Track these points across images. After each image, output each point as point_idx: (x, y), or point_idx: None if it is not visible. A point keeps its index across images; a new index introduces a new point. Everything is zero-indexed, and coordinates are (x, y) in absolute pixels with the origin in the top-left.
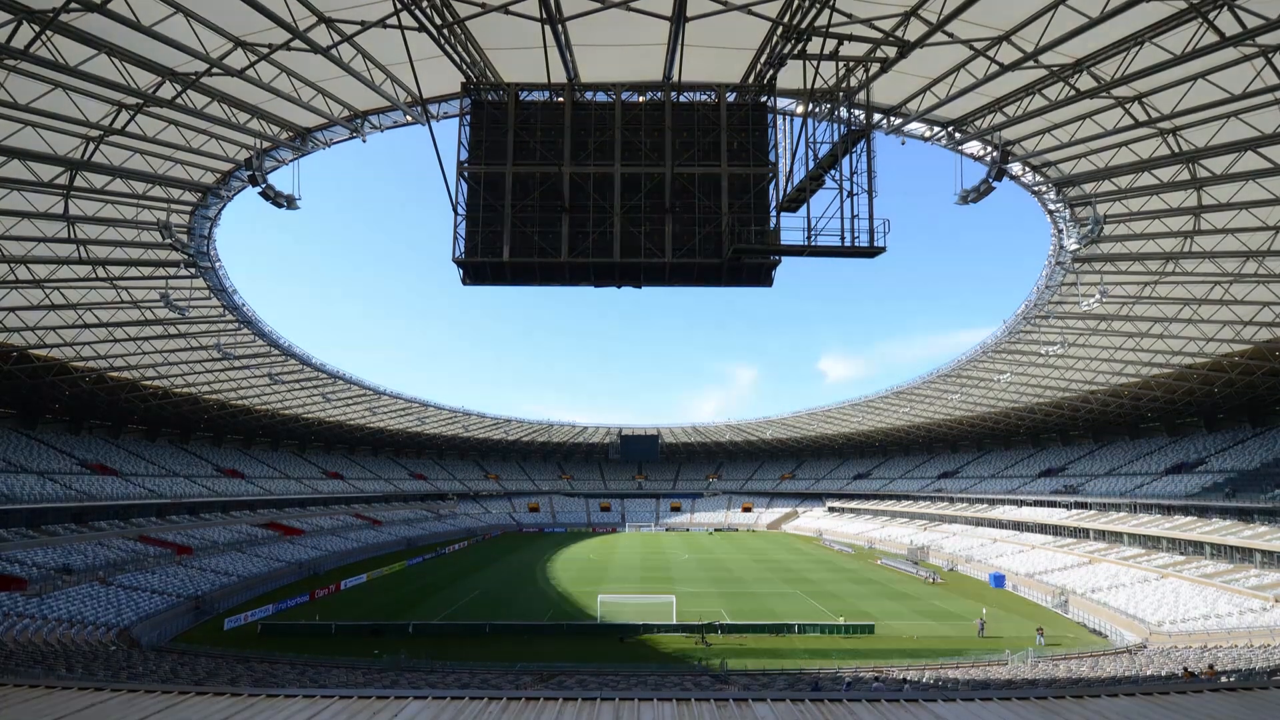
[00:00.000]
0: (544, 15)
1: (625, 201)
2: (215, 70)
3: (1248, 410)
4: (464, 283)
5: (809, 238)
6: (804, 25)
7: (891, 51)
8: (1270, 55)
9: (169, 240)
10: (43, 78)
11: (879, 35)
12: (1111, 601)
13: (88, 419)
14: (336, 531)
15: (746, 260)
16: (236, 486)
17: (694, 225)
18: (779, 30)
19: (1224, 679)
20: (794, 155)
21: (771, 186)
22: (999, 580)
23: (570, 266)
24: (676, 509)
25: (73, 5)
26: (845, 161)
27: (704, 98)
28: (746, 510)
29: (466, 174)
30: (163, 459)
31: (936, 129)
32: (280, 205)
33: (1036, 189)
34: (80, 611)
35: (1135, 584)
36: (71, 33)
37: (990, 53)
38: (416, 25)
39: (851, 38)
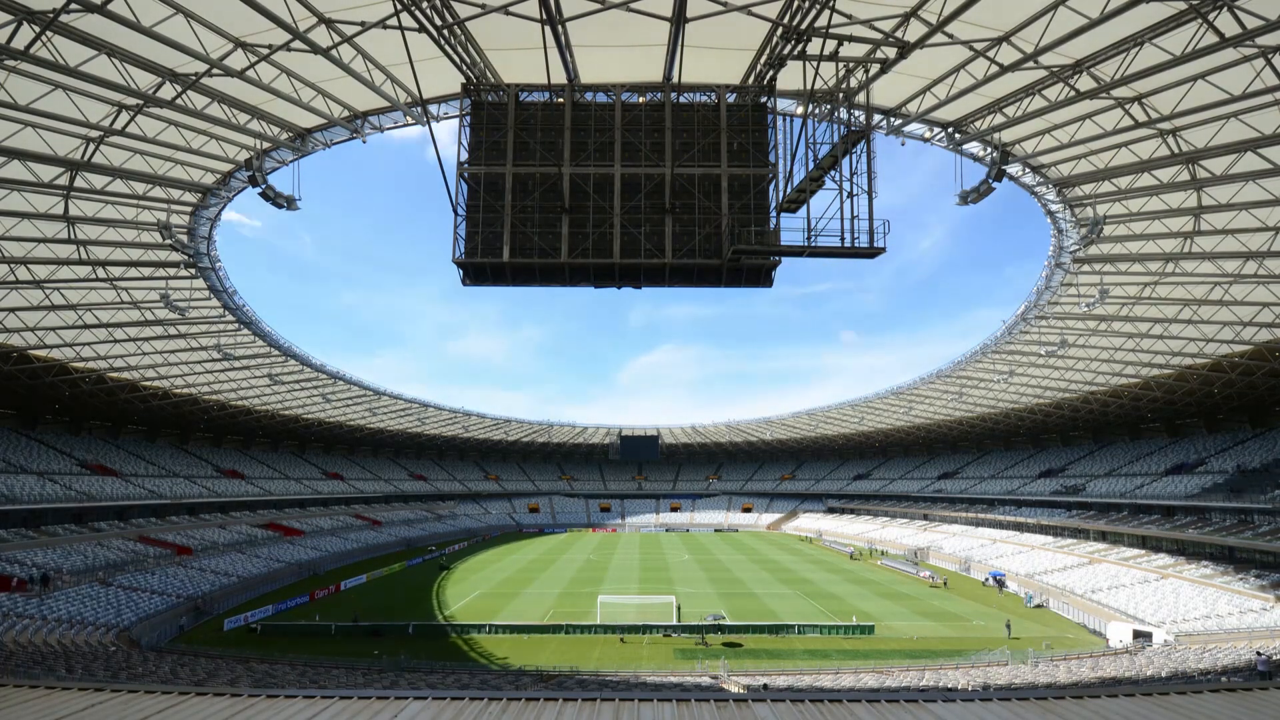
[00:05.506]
0: (544, 16)
1: (625, 202)
2: (215, 71)
3: (1248, 411)
4: (464, 283)
5: (809, 238)
6: (804, 26)
7: (891, 52)
8: (1270, 56)
9: (169, 241)
10: (43, 78)
11: (879, 36)
12: (1111, 602)
13: (87, 419)
14: (336, 532)
15: (746, 261)
16: (236, 487)
17: (694, 226)
18: (779, 31)
19: (1224, 679)
20: (794, 156)
21: (771, 187)
22: (999, 581)
23: (570, 267)
24: (676, 509)
25: (73, 6)
26: (845, 162)
27: (704, 98)
28: (747, 511)
29: (466, 175)
30: (162, 459)
31: (936, 130)
32: (280, 206)
33: (1036, 190)
34: (80, 612)
35: (1135, 584)
36: (72, 33)
37: (990, 54)
38: (416, 26)
39: (851, 39)
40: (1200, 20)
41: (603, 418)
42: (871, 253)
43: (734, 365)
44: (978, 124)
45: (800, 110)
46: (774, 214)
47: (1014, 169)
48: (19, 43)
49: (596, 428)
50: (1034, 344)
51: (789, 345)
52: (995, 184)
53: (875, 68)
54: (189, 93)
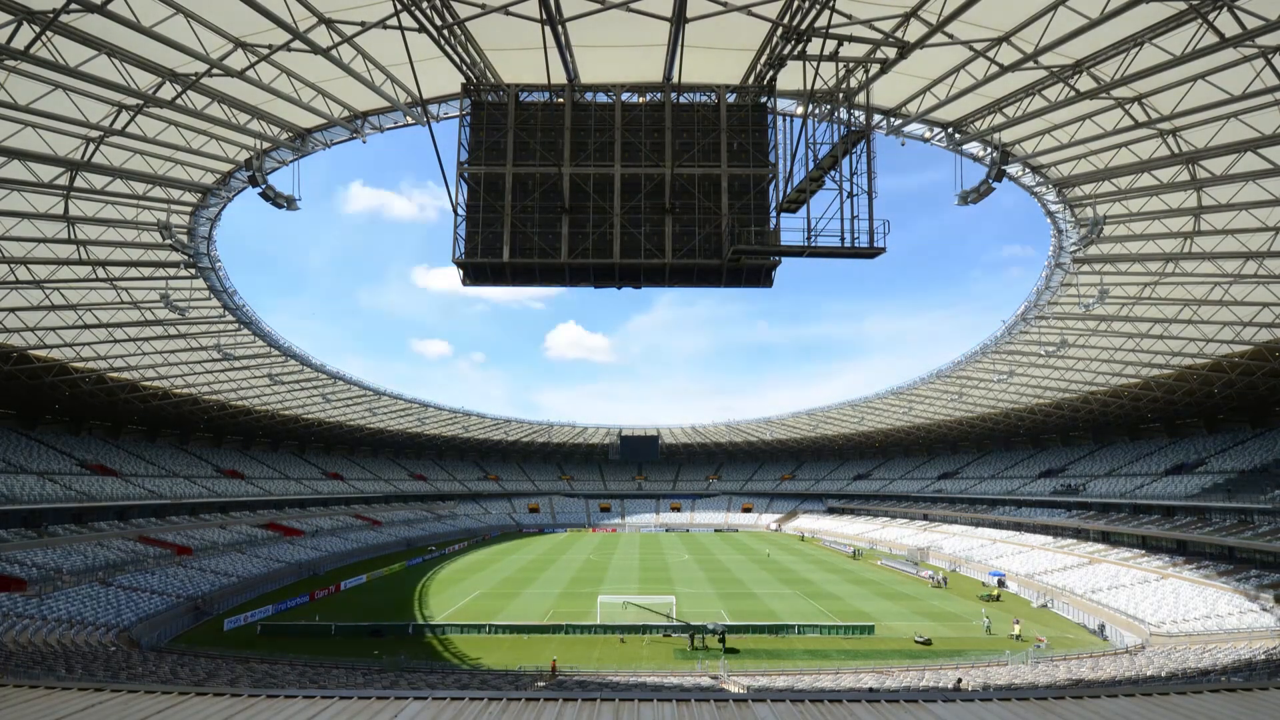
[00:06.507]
0: (544, 16)
1: (625, 202)
2: (215, 71)
3: (1248, 411)
4: (464, 283)
5: (809, 238)
6: (804, 26)
7: (891, 52)
8: (1270, 56)
9: (169, 241)
10: (43, 78)
11: (879, 36)
12: (1111, 602)
13: (87, 419)
14: (336, 532)
15: (746, 261)
16: (236, 487)
17: (694, 226)
18: (779, 31)
19: (1224, 679)
20: (794, 156)
21: (771, 187)
22: (999, 581)
23: (570, 267)
24: (676, 509)
25: (73, 6)
26: (845, 162)
27: (704, 98)
28: (747, 511)
29: (466, 175)
30: (162, 459)
31: (936, 130)
32: (280, 206)
33: (1036, 190)
34: (80, 612)
35: (1135, 584)
36: (72, 33)
37: (990, 54)
38: (416, 26)
39: (851, 39)
40: (1200, 20)
41: (601, 415)
42: (872, 253)
43: (750, 335)
44: (978, 124)
45: (800, 110)
46: (774, 214)
47: (1014, 169)
48: (19, 43)
49: (596, 428)
50: (1034, 344)
51: (832, 296)
52: (995, 184)
53: (875, 68)
54: (189, 93)
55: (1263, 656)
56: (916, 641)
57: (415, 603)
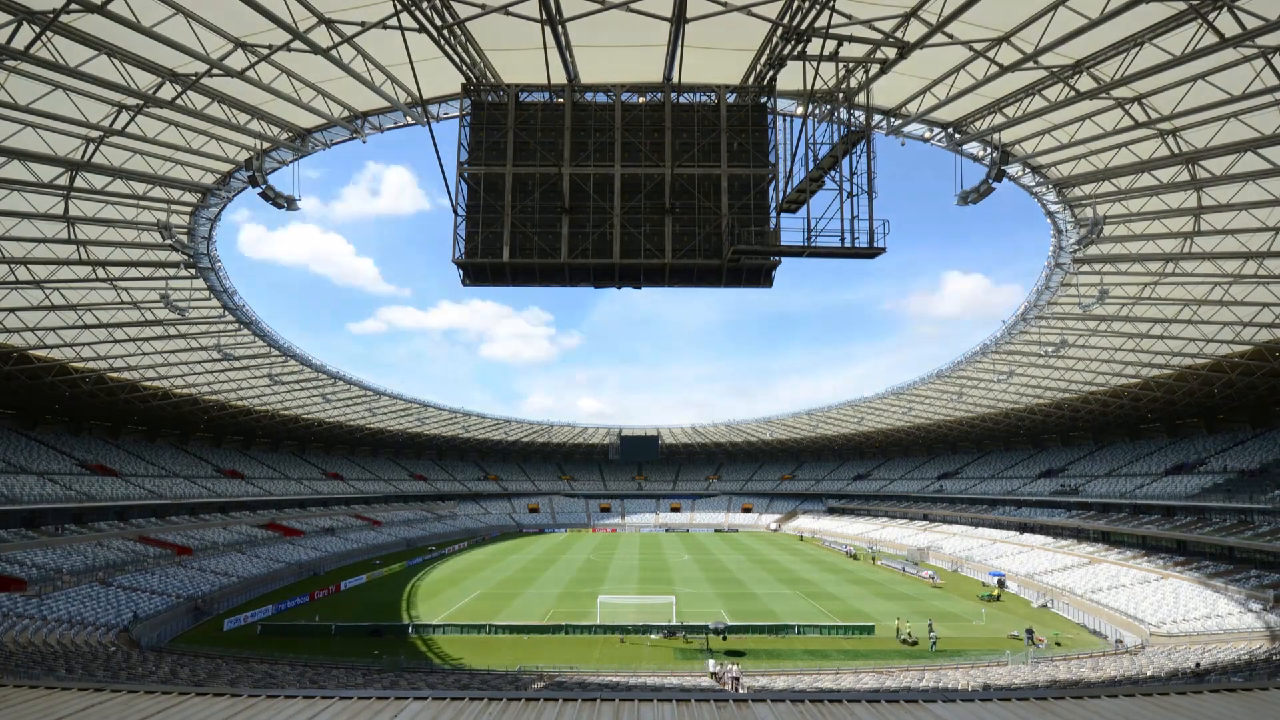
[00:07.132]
0: (544, 16)
1: (625, 202)
2: (215, 71)
3: (1248, 411)
4: (464, 283)
5: (809, 238)
6: (804, 26)
7: (891, 53)
8: (1270, 56)
9: (169, 241)
10: (43, 79)
11: (879, 36)
12: (1111, 602)
13: (87, 420)
14: (336, 532)
15: (746, 261)
16: (236, 487)
17: (694, 226)
18: (779, 31)
19: (1224, 679)
20: (794, 156)
21: (771, 187)
22: (999, 581)
23: (570, 267)
24: (676, 510)
25: (73, 6)
26: (845, 162)
27: (704, 99)
28: (746, 511)
29: (466, 175)
30: (162, 460)
31: (936, 130)
32: (280, 206)
33: (1036, 190)
34: (80, 612)
35: (1135, 584)
36: (72, 33)
37: (990, 54)
38: (416, 26)
39: (851, 39)
40: (1200, 20)
41: (601, 416)
42: (872, 253)
43: (757, 304)
44: (977, 124)
45: (800, 110)
46: (774, 214)
47: (1014, 169)
48: (19, 43)
49: (596, 428)
50: (1034, 344)
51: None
52: (995, 184)
53: (875, 68)
54: (189, 93)
55: (1263, 656)
56: (904, 642)
57: (415, 603)
